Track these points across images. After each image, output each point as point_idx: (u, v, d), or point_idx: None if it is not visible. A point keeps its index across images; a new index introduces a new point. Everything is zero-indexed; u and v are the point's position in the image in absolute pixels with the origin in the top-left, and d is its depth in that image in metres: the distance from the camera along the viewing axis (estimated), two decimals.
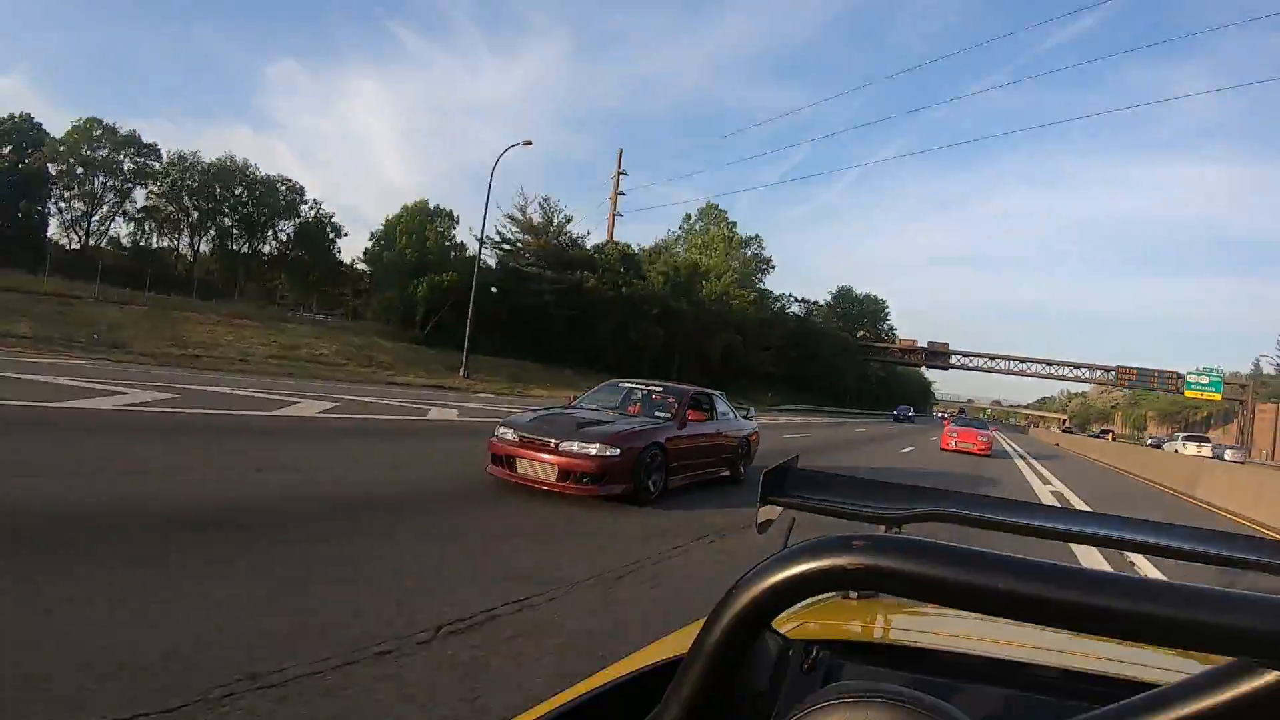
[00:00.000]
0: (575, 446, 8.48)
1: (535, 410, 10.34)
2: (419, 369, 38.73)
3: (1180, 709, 0.55)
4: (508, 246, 54.28)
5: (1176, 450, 46.78)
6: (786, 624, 1.37)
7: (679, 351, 59.11)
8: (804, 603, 1.36)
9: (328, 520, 6.45)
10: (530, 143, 47.29)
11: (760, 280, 75.57)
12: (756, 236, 76.85)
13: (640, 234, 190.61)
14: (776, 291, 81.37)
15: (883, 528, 1.40)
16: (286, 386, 21.71)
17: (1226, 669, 0.54)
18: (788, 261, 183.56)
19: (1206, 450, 50.33)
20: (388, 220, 51.80)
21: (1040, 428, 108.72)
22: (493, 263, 51.51)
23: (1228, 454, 53.16)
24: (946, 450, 27.23)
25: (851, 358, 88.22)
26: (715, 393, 12.14)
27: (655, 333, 56.05)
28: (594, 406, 10.68)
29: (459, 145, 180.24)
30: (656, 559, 6.47)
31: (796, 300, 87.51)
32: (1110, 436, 77.70)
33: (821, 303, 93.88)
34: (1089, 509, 6.98)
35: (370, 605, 4.59)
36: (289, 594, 4.60)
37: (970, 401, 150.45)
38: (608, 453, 8.48)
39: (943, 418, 61.00)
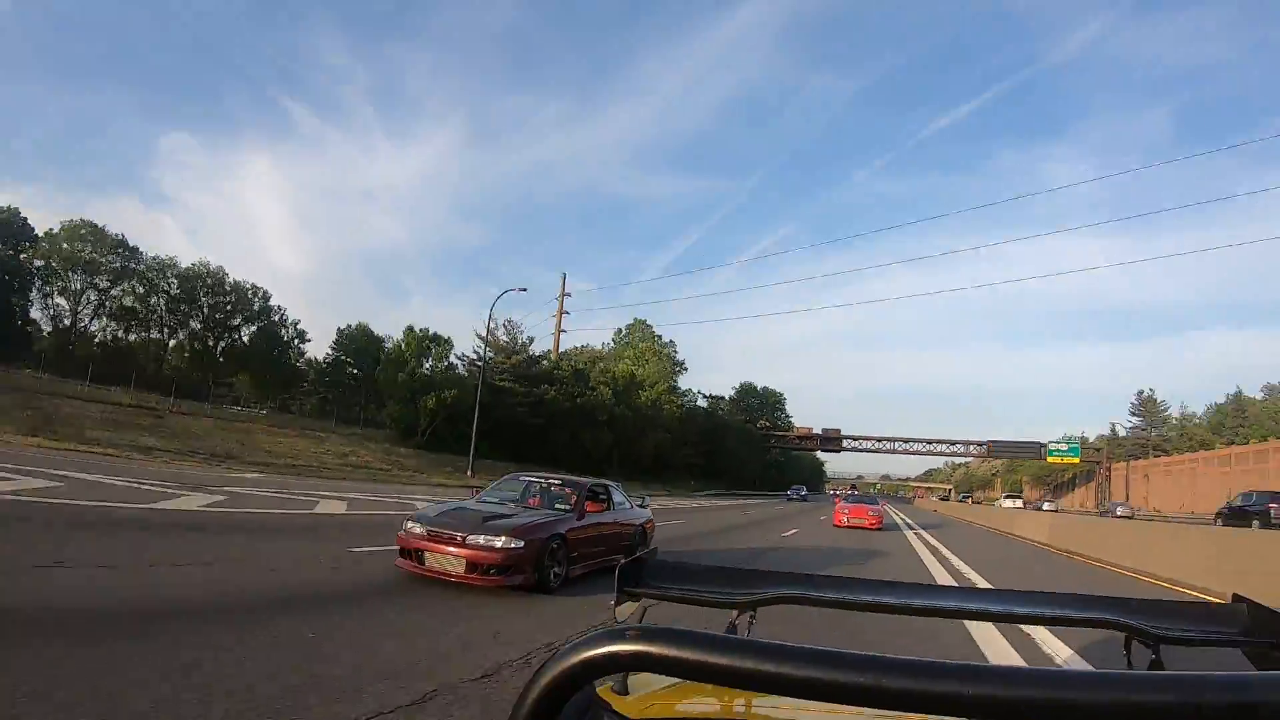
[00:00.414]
0: (482, 539, 8.15)
1: (441, 504, 9.92)
2: (438, 472, 41.55)
3: None
4: (480, 364, 57.71)
5: (1002, 506, 59.54)
6: (640, 705, 1.32)
7: (619, 451, 62.88)
8: (662, 684, 1.37)
9: None
10: (525, 289, 51.95)
11: (675, 381, 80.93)
12: (671, 341, 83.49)
13: (539, 324, 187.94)
14: (683, 387, 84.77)
15: (735, 612, 1.44)
16: (400, 490, 25.83)
17: None
18: (683, 349, 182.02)
19: (1019, 504, 66.73)
20: (407, 337, 54.88)
21: (924, 498, 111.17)
22: (464, 373, 55.57)
23: (1045, 505, 70.43)
24: (840, 527, 25.60)
25: (755, 447, 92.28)
26: (611, 484, 11.71)
27: (605, 438, 60.85)
28: (497, 499, 10.20)
29: (351, 228, 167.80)
30: (545, 651, 5.93)
31: (703, 395, 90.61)
32: (970, 501, 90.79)
33: (726, 397, 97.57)
34: (942, 548, 7.78)
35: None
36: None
37: (860, 477, 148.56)
38: (513, 545, 8.14)
39: (834, 495, 61.97)
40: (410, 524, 8.68)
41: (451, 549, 8.20)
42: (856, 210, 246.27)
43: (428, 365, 53.44)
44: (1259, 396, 78.49)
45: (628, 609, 1.41)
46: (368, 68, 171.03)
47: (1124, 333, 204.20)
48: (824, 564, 14.31)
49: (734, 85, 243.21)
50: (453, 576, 8.15)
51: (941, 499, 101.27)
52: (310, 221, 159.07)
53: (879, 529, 25.58)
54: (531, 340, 64.01)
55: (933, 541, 22.06)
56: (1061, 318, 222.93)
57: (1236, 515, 33.25)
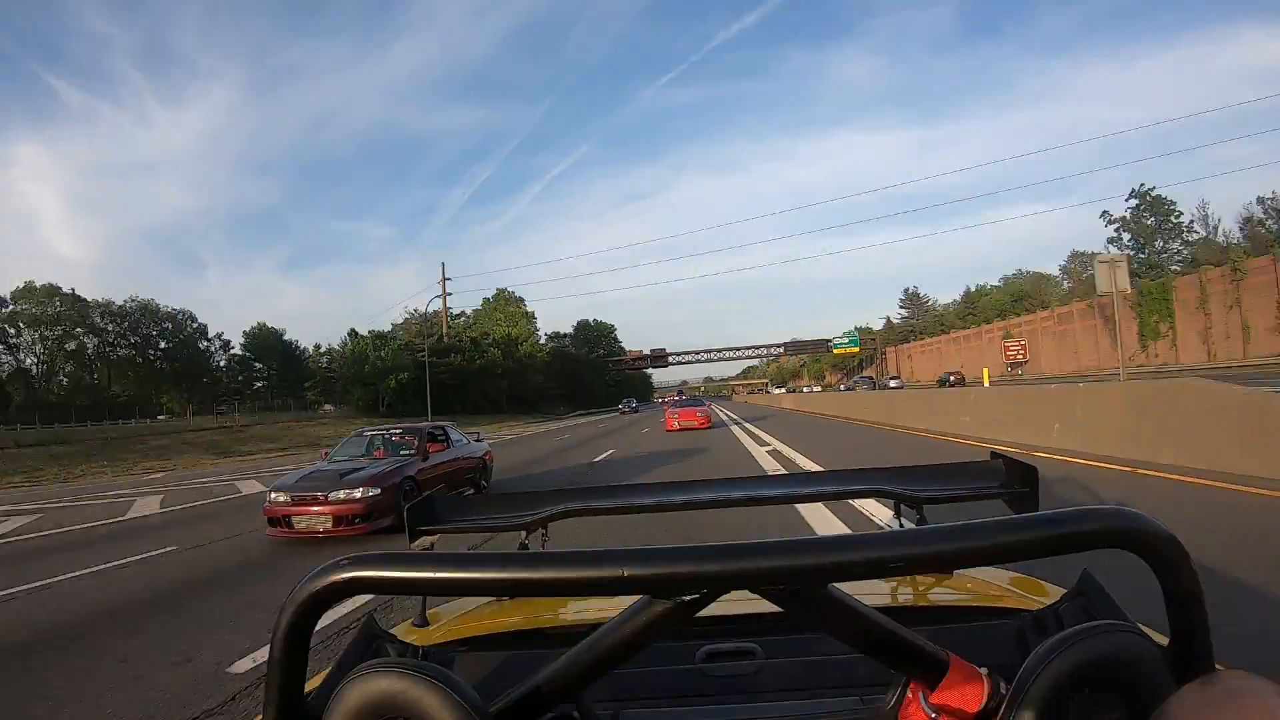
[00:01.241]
0: (343, 494, 7.68)
1: (295, 472, 9.26)
2: None
3: (614, 637, 0.65)
4: (419, 349, 61.97)
5: (773, 392, 75.47)
6: (438, 632, 1.26)
7: (509, 395, 71.33)
8: (460, 612, 1.38)
9: None
10: (451, 294, 53.29)
11: (535, 330, 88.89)
12: (521, 298, 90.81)
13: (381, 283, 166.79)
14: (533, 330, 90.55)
15: (524, 533, 1.34)
16: None
17: (637, 604, 0.63)
18: (510, 285, 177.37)
19: (781, 391, 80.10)
20: (354, 341, 63.56)
21: (741, 394, 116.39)
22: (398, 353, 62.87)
23: (803, 389, 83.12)
24: (672, 431, 24.23)
25: (598, 373, 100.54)
26: (447, 424, 11.25)
27: (501, 386, 69.68)
28: (346, 457, 9.54)
29: (138, 204, 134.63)
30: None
31: (546, 335, 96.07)
32: (766, 391, 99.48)
33: (568, 334, 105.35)
34: (755, 429, 22.74)
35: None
36: None
37: (685, 383, 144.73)
38: (371, 493, 7.72)
39: (663, 403, 60.69)
40: (273, 494, 7.95)
41: (316, 508, 7.67)
42: (656, 124, 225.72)
43: (380, 356, 60.96)
44: (998, 284, 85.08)
45: (421, 545, 1.32)
46: (129, 30, 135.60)
47: (921, 219, 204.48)
48: (658, 465, 13.80)
49: (521, 7, 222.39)
50: (322, 533, 7.57)
51: (751, 393, 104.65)
52: (94, 204, 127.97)
53: (708, 427, 24.47)
54: (437, 323, 71.36)
55: (750, 428, 22.99)
56: (857, 210, 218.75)
57: (850, 387, 59.24)
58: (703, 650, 1.05)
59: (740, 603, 0.67)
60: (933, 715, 0.73)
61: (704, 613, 0.87)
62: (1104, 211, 54.71)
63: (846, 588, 0.65)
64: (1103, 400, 9.79)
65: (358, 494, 7.78)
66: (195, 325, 70.70)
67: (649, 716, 0.98)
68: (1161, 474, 7.42)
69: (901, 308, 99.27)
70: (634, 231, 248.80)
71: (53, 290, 60.51)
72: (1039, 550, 0.57)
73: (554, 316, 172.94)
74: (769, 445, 16.13)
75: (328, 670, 0.85)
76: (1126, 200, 53.42)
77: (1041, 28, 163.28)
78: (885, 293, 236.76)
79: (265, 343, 73.10)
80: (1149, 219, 52.20)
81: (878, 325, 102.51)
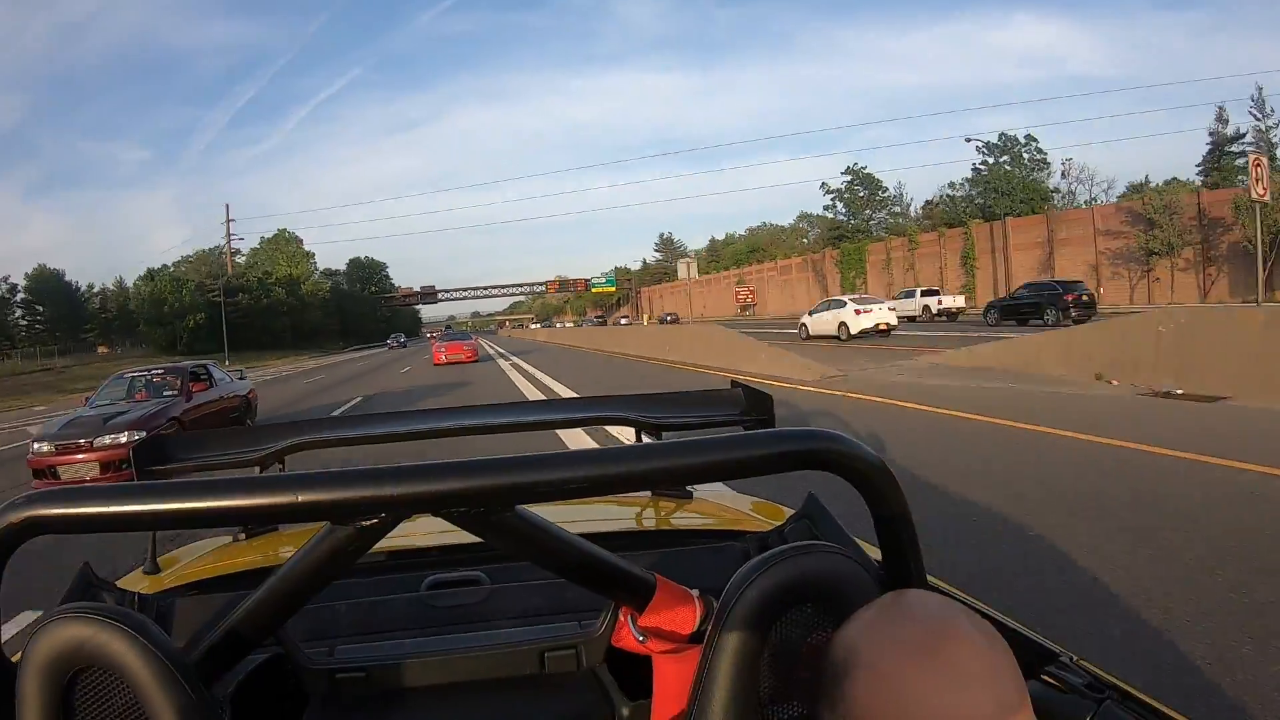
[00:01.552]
0: (108, 439, 7.46)
1: (58, 420, 8.80)
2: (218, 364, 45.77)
3: (300, 568, 0.60)
4: (214, 290, 62.83)
5: (533, 328, 77.59)
6: (168, 579, 1.15)
7: (292, 331, 71.73)
8: (195, 556, 1.29)
9: None
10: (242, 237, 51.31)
11: (314, 269, 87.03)
12: (298, 237, 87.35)
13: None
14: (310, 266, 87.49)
15: (257, 469, 1.23)
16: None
17: (321, 533, 0.58)
18: (277, 220, 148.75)
19: (539, 326, 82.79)
20: (152, 283, 64.01)
21: (507, 329, 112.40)
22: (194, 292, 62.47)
23: (556, 325, 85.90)
24: (440, 364, 23.40)
25: (371, 309, 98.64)
26: (208, 362, 11.00)
27: (285, 323, 70.17)
28: (108, 401, 9.16)
29: None
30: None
31: (321, 273, 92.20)
32: (525, 326, 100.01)
33: (338, 271, 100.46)
34: (518, 359, 24.86)
35: None
36: None
37: (453, 318, 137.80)
38: (136, 436, 7.41)
39: (430, 338, 58.32)
40: (37, 444, 7.56)
41: (81, 456, 7.43)
42: (433, 50, 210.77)
43: (179, 297, 60.82)
44: (744, 233, 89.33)
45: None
46: None
47: (684, 166, 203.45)
48: (425, 396, 13.88)
49: None
50: (89, 481, 7.16)
51: (516, 327, 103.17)
52: None
53: (475, 361, 23.92)
54: (224, 263, 70.18)
55: (516, 361, 23.52)
56: (626, 152, 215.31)
57: (582, 324, 66.14)
58: (428, 580, 1.01)
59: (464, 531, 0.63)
60: (641, 638, 0.73)
61: (430, 542, 0.99)
62: (823, 183, 61.27)
63: (587, 519, 0.61)
64: (684, 332, 18.42)
65: (123, 438, 7.49)
66: None
67: (366, 650, 0.95)
68: (691, 369, 13.05)
69: (656, 251, 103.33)
70: (407, 164, 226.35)
71: None
72: (737, 471, 0.54)
73: (328, 252, 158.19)
74: (529, 373, 18.18)
75: None
76: (843, 175, 60.64)
77: None
78: (647, 235, 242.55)
79: (48, 285, 69.04)
80: (861, 192, 59.51)
81: (636, 266, 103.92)
